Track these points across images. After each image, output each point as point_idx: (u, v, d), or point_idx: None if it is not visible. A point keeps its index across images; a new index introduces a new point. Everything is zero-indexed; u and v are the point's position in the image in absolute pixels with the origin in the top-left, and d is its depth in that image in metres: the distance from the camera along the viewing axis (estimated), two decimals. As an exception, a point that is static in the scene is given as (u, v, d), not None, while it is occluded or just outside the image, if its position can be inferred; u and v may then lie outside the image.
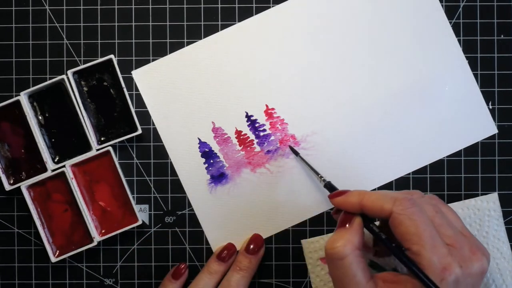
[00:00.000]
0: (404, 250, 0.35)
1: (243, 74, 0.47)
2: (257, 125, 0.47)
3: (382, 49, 0.47)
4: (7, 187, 0.46)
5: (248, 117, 0.47)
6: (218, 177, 0.47)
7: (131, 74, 0.47)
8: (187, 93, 0.47)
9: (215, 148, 0.47)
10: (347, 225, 0.37)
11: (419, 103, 0.47)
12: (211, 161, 0.47)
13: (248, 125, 0.47)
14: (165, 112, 0.47)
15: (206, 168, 0.47)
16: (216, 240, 0.47)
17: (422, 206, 0.37)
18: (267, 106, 0.47)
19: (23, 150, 0.47)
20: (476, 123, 0.48)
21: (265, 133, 0.47)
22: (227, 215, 0.47)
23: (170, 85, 0.47)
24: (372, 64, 0.47)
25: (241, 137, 0.47)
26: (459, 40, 0.48)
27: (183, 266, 0.47)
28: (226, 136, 0.47)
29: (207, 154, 0.47)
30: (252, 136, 0.47)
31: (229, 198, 0.47)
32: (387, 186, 0.48)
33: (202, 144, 0.47)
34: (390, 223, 0.36)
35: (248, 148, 0.47)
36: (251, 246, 0.46)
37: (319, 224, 0.48)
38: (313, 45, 0.47)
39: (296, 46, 0.47)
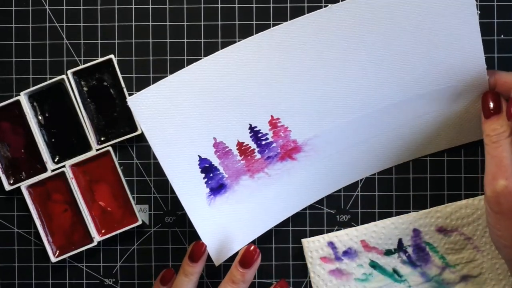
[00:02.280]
0: None
1: (247, 89, 0.44)
2: (259, 135, 0.45)
3: (387, 57, 0.44)
4: (7, 187, 0.46)
5: (251, 128, 0.45)
6: (217, 189, 0.46)
7: (131, 75, 0.47)
8: (186, 113, 0.43)
9: (215, 162, 0.45)
10: None
11: (423, 109, 0.46)
12: (211, 174, 0.45)
13: (251, 136, 0.45)
14: (165, 138, 0.43)
15: (206, 182, 0.45)
16: (215, 249, 0.46)
17: None
18: (272, 116, 0.45)
19: (23, 150, 0.47)
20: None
21: (267, 141, 0.46)
22: (226, 223, 0.46)
23: (169, 109, 0.43)
24: (377, 71, 0.45)
25: (243, 147, 0.45)
26: (459, 40, 0.48)
27: (170, 271, 0.46)
28: (227, 149, 0.45)
29: (207, 169, 0.45)
30: (253, 146, 0.45)
31: (227, 206, 0.46)
32: (387, 187, 0.48)
33: (202, 161, 0.45)
34: None
35: (249, 157, 0.46)
36: (246, 258, 0.43)
37: (319, 224, 0.48)
38: (326, 54, 0.44)
39: (306, 63, 0.44)
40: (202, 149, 0.44)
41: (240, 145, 0.45)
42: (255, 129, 0.45)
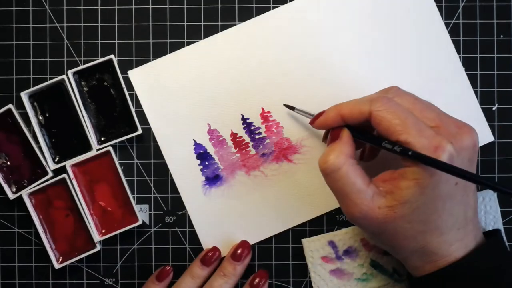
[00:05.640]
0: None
1: (239, 77, 0.47)
2: (252, 128, 0.47)
3: (378, 55, 0.47)
4: (11, 196, 0.46)
5: (244, 119, 0.47)
6: (213, 179, 0.47)
7: (127, 74, 0.47)
8: (183, 94, 0.47)
9: (210, 150, 0.47)
10: (337, 140, 0.39)
11: None
12: (206, 162, 0.47)
13: (244, 128, 0.47)
14: (160, 113, 0.47)
15: (201, 170, 0.47)
16: (208, 242, 0.47)
17: (399, 98, 0.38)
18: (263, 109, 0.47)
19: (22, 157, 0.47)
20: None
21: (261, 136, 0.47)
22: (221, 217, 0.47)
23: (167, 86, 0.47)
24: (369, 70, 0.47)
25: (237, 139, 0.47)
26: (458, 40, 0.48)
27: (168, 268, 0.46)
28: (221, 138, 0.47)
29: (202, 155, 0.47)
30: (247, 139, 0.47)
31: (223, 200, 0.47)
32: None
33: (198, 146, 0.47)
34: (372, 123, 0.37)
35: (243, 150, 0.47)
36: (238, 252, 0.45)
37: (319, 224, 0.48)
38: (310, 49, 0.47)
39: (293, 49, 0.47)
40: (197, 133, 0.47)
41: (234, 136, 0.47)
42: (247, 120, 0.47)
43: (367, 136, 0.39)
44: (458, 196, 0.37)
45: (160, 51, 0.47)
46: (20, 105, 0.47)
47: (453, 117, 0.39)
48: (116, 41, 0.48)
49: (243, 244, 0.46)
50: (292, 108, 0.46)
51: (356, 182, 0.37)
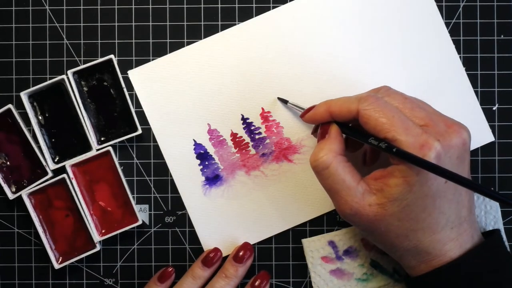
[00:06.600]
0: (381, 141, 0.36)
1: (240, 77, 0.47)
2: (252, 128, 0.47)
3: (379, 55, 0.47)
4: (11, 196, 0.46)
5: (244, 119, 0.47)
6: (213, 179, 0.47)
7: (127, 74, 0.47)
8: (183, 94, 0.47)
9: (210, 150, 0.47)
10: (326, 136, 0.39)
11: None
12: (206, 162, 0.47)
13: (244, 128, 0.47)
14: (160, 113, 0.47)
15: (201, 170, 0.47)
16: (208, 242, 0.47)
17: (389, 97, 0.38)
18: (263, 109, 0.47)
19: (21, 157, 0.47)
20: (473, 131, 0.47)
21: (261, 136, 0.47)
22: (221, 217, 0.47)
23: (166, 86, 0.47)
24: (369, 70, 0.47)
25: (237, 139, 0.47)
26: (458, 40, 0.48)
27: (170, 269, 0.46)
28: (221, 138, 0.47)
29: (202, 155, 0.47)
30: (247, 139, 0.47)
31: (223, 200, 0.47)
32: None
33: (197, 146, 0.47)
34: (360, 122, 0.37)
35: (243, 150, 0.47)
36: (240, 254, 0.45)
37: (319, 224, 0.48)
38: (310, 49, 0.47)
39: (293, 49, 0.47)
40: (197, 134, 0.47)
41: (234, 136, 0.47)
42: (247, 120, 0.47)
43: (356, 132, 0.39)
44: (449, 194, 0.37)
45: (160, 51, 0.47)
46: (19, 105, 0.47)
47: (445, 116, 0.38)
48: (116, 41, 0.48)
49: (245, 246, 0.46)
50: (285, 101, 0.46)
51: (346, 179, 0.37)
